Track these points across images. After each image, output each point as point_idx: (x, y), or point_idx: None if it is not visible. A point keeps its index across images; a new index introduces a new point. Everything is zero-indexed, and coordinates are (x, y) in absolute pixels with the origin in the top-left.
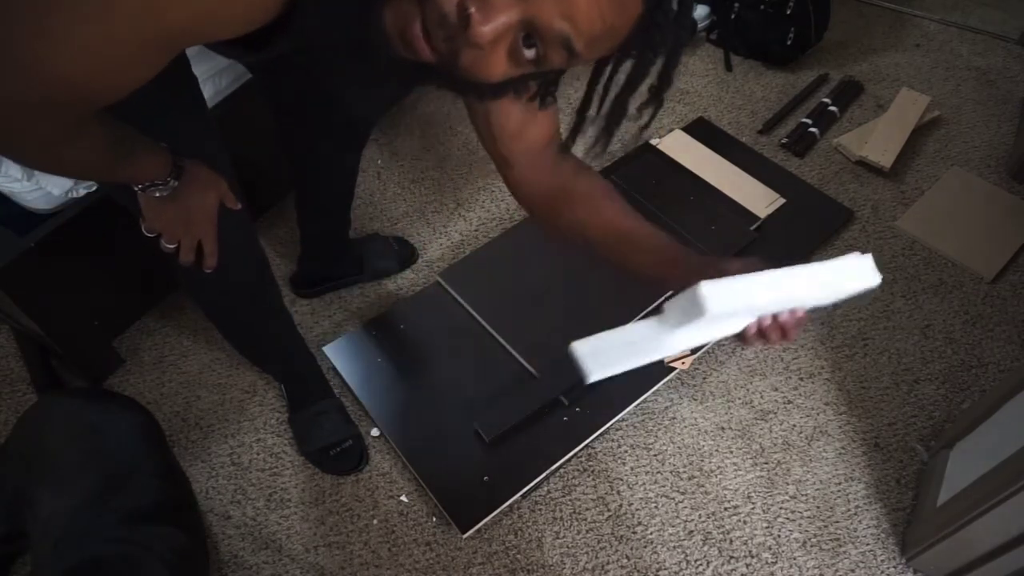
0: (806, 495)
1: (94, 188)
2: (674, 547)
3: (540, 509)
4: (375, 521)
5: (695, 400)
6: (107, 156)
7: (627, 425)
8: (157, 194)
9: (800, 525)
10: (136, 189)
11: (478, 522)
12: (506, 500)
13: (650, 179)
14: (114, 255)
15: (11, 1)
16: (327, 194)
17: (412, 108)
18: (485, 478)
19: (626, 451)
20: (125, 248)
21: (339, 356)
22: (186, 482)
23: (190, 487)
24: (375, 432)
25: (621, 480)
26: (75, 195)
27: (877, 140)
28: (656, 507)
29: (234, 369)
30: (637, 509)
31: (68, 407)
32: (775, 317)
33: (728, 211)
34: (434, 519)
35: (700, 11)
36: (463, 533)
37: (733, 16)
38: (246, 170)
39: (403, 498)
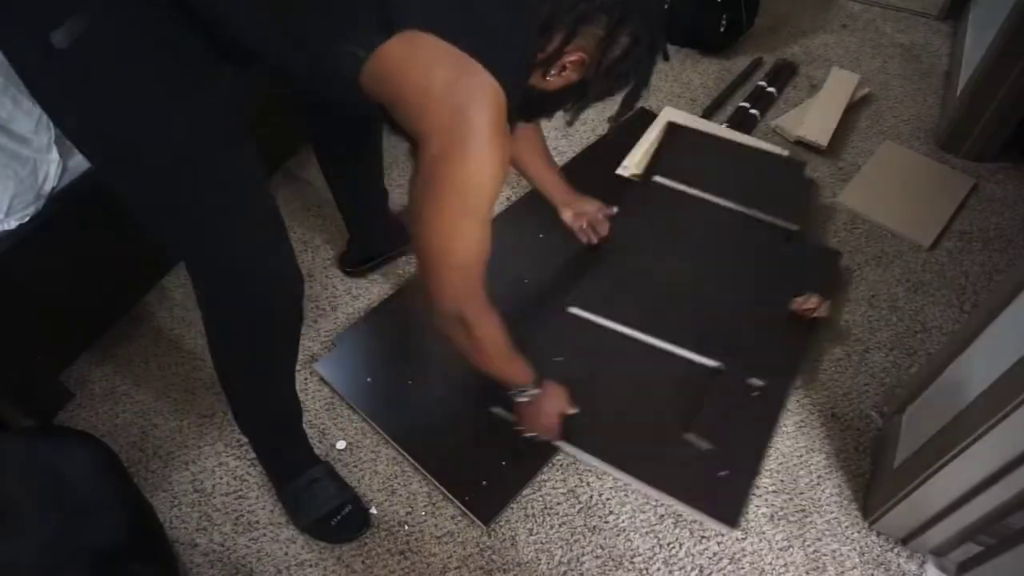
0: (769, 470)
1: (26, 219)
2: (646, 532)
3: (512, 508)
4: None
5: None
6: (504, 343)
7: None
8: (523, 399)
9: (766, 500)
10: (510, 394)
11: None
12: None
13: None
14: (52, 286)
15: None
16: (353, 174)
17: None
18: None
19: None
20: (63, 279)
21: (328, 370)
22: (152, 513)
23: (156, 518)
24: (341, 444)
25: (590, 471)
26: (7, 227)
27: (813, 120)
28: (626, 495)
29: (190, 394)
30: (608, 499)
31: (18, 447)
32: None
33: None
34: (406, 527)
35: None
36: (437, 537)
37: (666, 6)
38: None
39: (372, 510)
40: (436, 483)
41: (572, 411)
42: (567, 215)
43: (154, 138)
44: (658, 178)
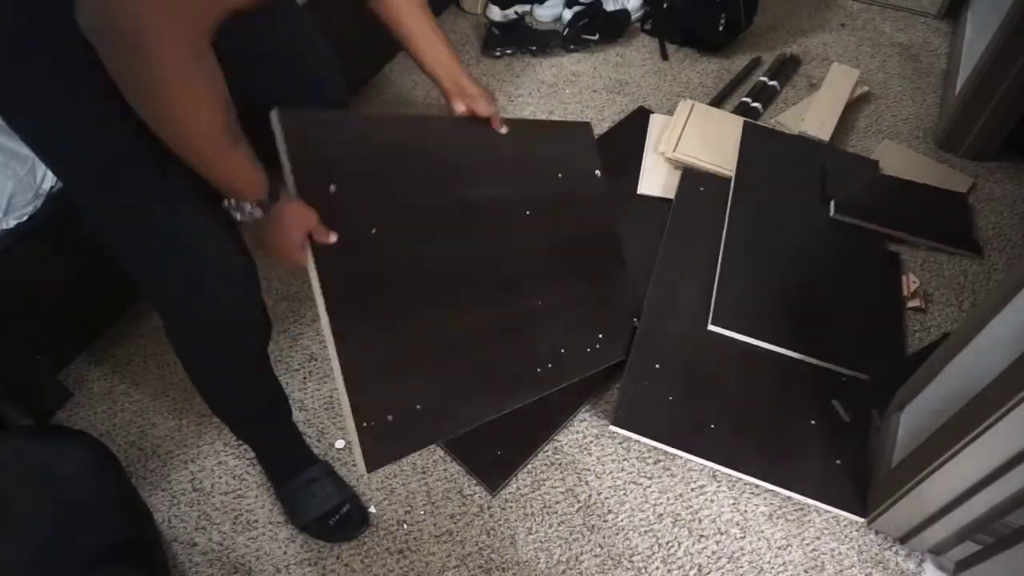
0: None
1: (24, 218)
2: (645, 531)
3: (511, 507)
4: None
5: None
6: (223, 120)
7: (591, 416)
8: (238, 216)
9: (765, 499)
10: (226, 206)
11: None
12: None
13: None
14: (50, 286)
15: None
16: None
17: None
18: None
19: (591, 441)
20: (61, 278)
21: None
22: (147, 515)
23: (151, 520)
24: (339, 444)
25: (589, 470)
26: (5, 226)
27: (814, 115)
28: (625, 494)
29: (188, 393)
30: (607, 498)
31: (15, 446)
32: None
33: None
34: (404, 526)
35: (633, 2)
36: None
37: (665, 5)
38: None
39: (372, 509)
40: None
41: (328, 239)
42: (459, 109)
43: (81, 148)
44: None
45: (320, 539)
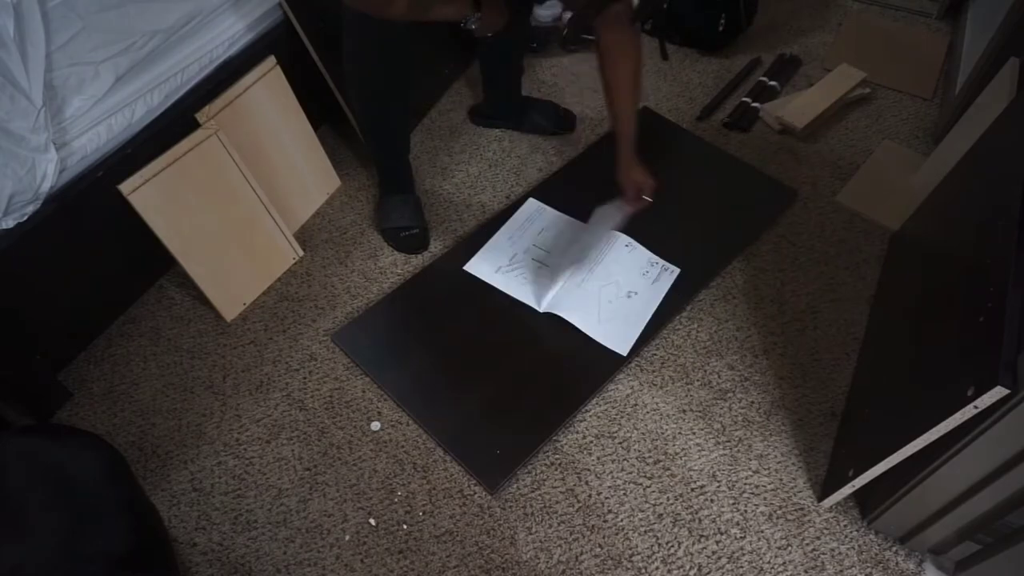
0: (768, 469)
1: (24, 219)
2: (645, 531)
3: (511, 507)
4: (347, 537)
5: (655, 385)
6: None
7: (591, 416)
8: (470, 25)
9: (765, 499)
10: (464, 25)
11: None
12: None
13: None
14: (50, 286)
15: None
16: (496, 50)
17: None
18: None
19: (591, 441)
20: (61, 278)
21: (347, 342)
22: (159, 519)
23: (161, 522)
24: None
25: (589, 471)
26: (5, 226)
27: (797, 105)
28: (625, 494)
29: (188, 393)
30: (606, 498)
31: (24, 446)
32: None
33: None
34: (404, 527)
35: (633, 2)
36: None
37: (666, 5)
38: None
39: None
40: (448, 450)
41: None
42: (619, 176)
43: None
44: None
45: (390, 244)
